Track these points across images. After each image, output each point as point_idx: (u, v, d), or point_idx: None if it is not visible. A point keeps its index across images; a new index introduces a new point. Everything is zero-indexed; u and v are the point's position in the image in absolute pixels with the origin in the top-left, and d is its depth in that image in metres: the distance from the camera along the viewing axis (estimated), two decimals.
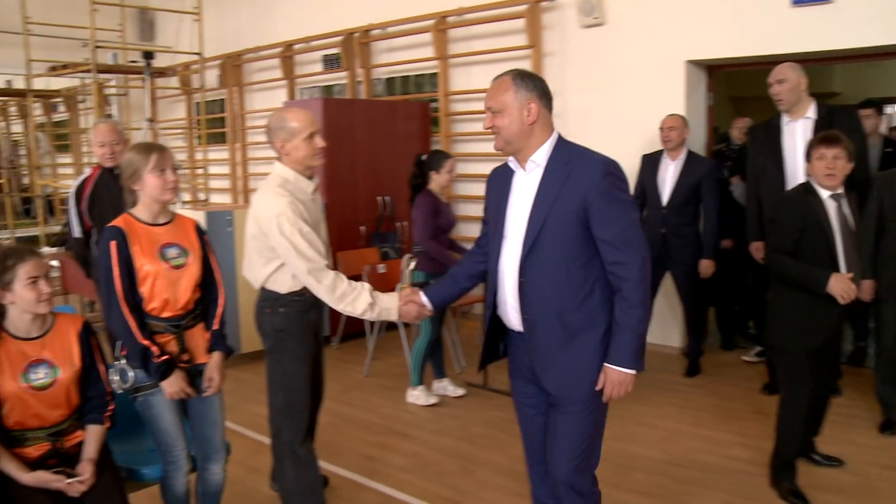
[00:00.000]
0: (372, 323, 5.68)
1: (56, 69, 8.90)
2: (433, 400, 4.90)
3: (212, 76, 9.39)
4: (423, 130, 7.00)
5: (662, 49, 5.72)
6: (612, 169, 2.33)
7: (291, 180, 2.96)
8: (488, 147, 6.77)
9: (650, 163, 5.27)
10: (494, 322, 2.59)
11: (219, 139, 9.79)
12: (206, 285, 2.86)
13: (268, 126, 3.00)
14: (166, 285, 2.70)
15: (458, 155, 7.03)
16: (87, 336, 2.60)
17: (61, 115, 13.10)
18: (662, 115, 5.17)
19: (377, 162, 6.64)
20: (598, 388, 2.38)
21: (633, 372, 2.34)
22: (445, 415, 4.74)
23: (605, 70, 6.05)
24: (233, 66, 9.16)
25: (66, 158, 12.47)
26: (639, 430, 4.38)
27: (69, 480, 2.44)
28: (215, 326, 2.86)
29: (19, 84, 10.69)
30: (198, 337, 2.84)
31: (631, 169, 4.97)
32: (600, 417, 2.48)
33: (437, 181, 4.82)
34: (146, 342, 2.63)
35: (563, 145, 2.41)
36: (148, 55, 7.84)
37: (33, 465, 2.46)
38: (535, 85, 2.37)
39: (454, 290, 2.83)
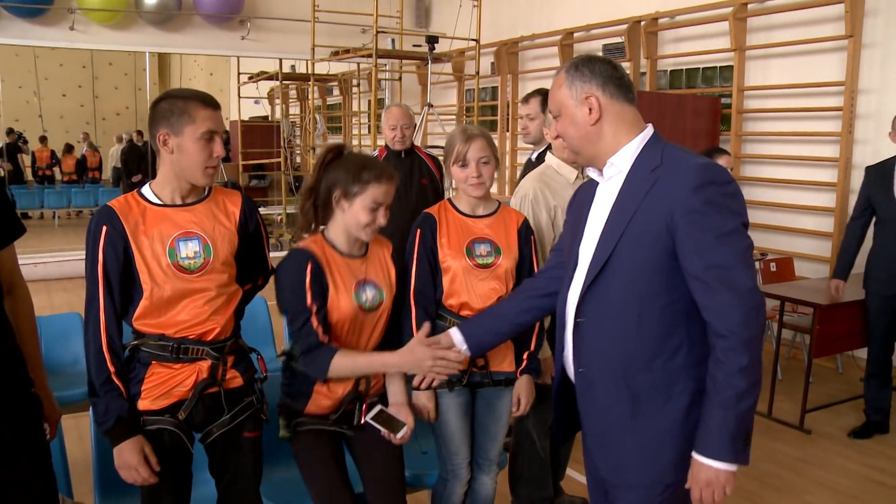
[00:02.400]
0: None
1: (339, 54, 9.34)
2: None
3: (485, 63, 9.41)
4: (711, 127, 6.49)
5: None
6: (710, 178, 1.71)
7: (554, 166, 2.93)
8: (786, 149, 6.24)
9: (879, 174, 4.36)
10: (567, 377, 2.01)
11: (489, 127, 9.80)
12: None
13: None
14: (468, 282, 2.48)
15: (751, 157, 6.48)
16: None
17: (334, 98, 13.93)
18: None
19: None
20: (686, 485, 1.76)
21: (731, 468, 1.70)
22: None
23: None
24: (508, 53, 9.12)
25: (337, 139, 13.21)
26: None
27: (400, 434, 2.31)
28: (532, 348, 2.59)
29: (300, 69, 11.49)
30: (504, 346, 2.53)
31: None
32: None
33: None
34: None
35: (654, 146, 1.84)
36: (432, 40, 7.97)
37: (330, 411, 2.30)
38: (593, 72, 1.82)
39: (501, 327, 2.25)
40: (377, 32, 8.20)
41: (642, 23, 7.22)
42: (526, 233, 2.60)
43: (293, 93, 14.27)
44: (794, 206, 6.20)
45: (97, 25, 9.10)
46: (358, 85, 11.94)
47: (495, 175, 2.55)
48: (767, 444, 4.29)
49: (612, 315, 1.81)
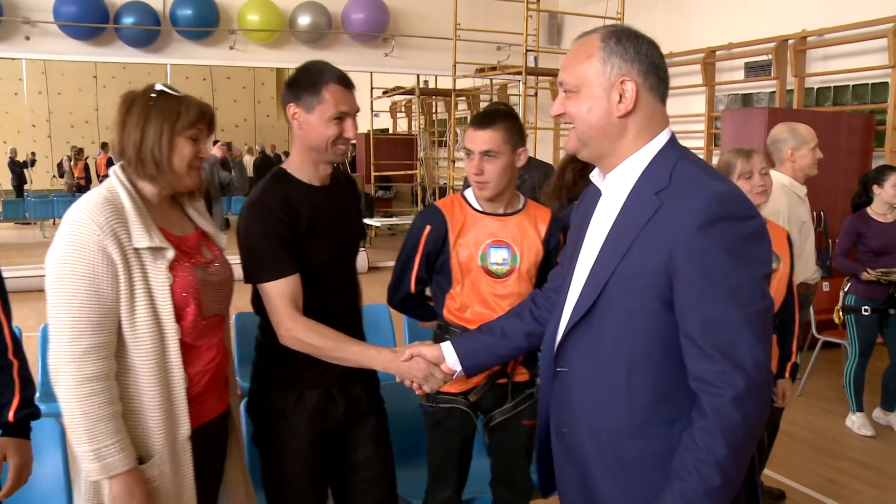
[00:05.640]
0: (811, 339, 5.45)
1: (483, 71, 9.74)
2: (867, 432, 4.57)
3: None
4: (865, 145, 6.56)
5: None
6: (724, 211, 1.35)
7: (787, 185, 3.23)
8: None
9: None
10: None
11: None
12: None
13: (774, 136, 3.18)
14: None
15: None
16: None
17: (461, 112, 14.38)
18: None
19: (814, 176, 6.34)
20: None
21: None
22: None
23: None
24: None
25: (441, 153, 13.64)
26: None
27: None
28: (794, 345, 2.94)
29: (431, 84, 11.98)
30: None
31: None
32: None
33: (880, 196, 4.51)
34: None
35: (666, 159, 1.47)
36: None
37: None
38: (639, 52, 1.46)
39: (502, 349, 1.94)
40: (527, 51, 8.56)
41: (790, 41, 7.33)
42: (791, 243, 2.88)
43: (415, 108, 14.82)
44: None
45: (255, 45, 9.81)
46: (491, 100, 12.34)
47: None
48: None
49: (598, 369, 1.50)
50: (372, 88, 12.63)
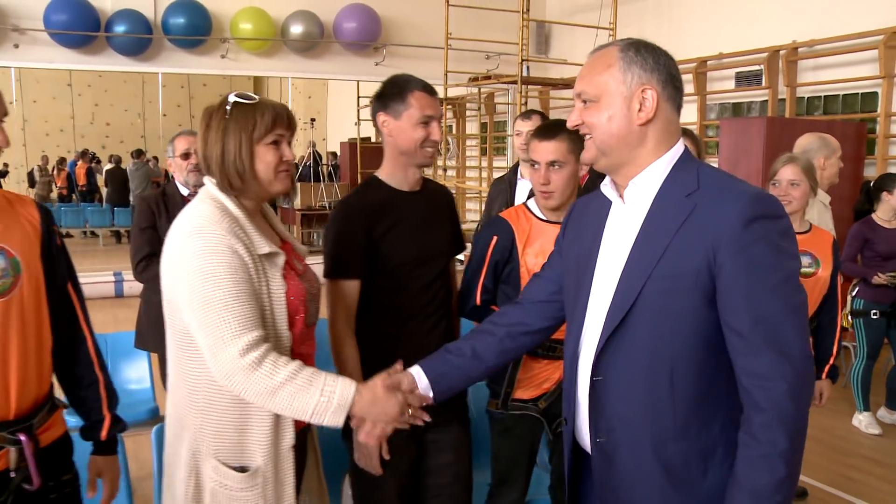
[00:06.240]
0: None
1: (477, 80, 9.83)
2: (875, 430, 4.72)
3: None
4: (856, 153, 6.74)
5: None
6: (763, 210, 1.42)
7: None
8: None
9: None
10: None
11: None
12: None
13: (804, 146, 3.34)
14: None
15: None
16: None
17: (448, 120, 14.48)
18: None
19: None
20: None
21: None
22: None
23: None
24: None
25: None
26: None
27: None
28: (834, 348, 3.01)
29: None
30: None
31: None
32: None
33: (888, 202, 4.65)
34: None
35: (687, 165, 1.54)
36: None
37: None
38: (657, 62, 1.52)
39: (474, 371, 1.84)
40: (522, 61, 8.66)
41: (782, 52, 7.52)
42: (836, 249, 3.02)
43: None
44: None
45: (247, 53, 9.79)
46: (479, 109, 12.44)
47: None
48: None
49: (638, 375, 1.50)
50: (359, 97, 12.64)
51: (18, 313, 1.71)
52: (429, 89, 2.20)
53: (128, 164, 14.59)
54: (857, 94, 7.12)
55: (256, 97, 1.81)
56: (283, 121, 1.80)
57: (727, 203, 1.41)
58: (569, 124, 1.59)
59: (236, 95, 1.80)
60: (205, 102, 1.87)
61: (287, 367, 1.66)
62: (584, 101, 1.55)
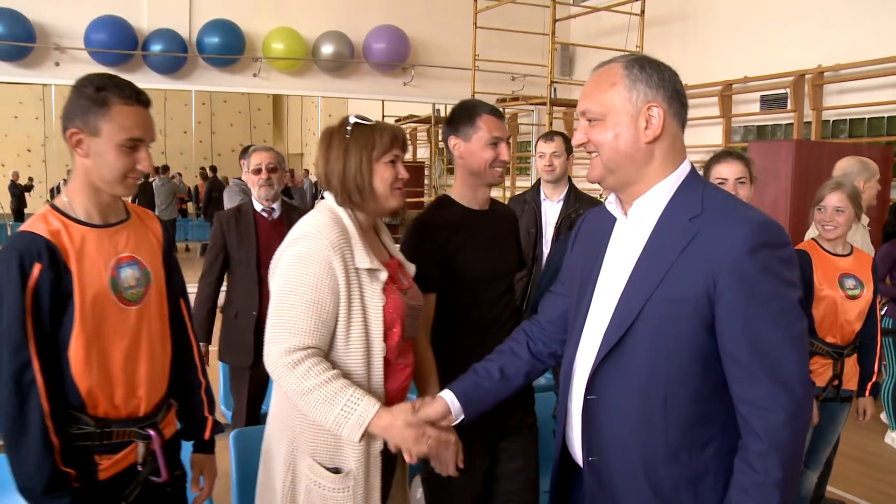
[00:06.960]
0: None
1: (506, 101, 9.99)
2: None
3: None
4: (884, 175, 6.78)
5: None
6: (767, 238, 1.42)
7: None
8: None
9: None
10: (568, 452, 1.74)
11: None
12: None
13: (845, 169, 3.44)
14: (836, 313, 2.99)
15: None
16: None
17: None
18: None
19: None
20: None
21: None
22: None
23: None
24: None
25: (449, 181, 13.91)
26: None
27: None
28: (876, 365, 3.13)
29: (444, 113, 12.21)
30: (852, 365, 3.10)
31: None
32: None
33: None
34: None
35: (693, 186, 1.53)
36: None
37: None
38: (662, 79, 1.52)
39: (502, 392, 1.87)
40: (551, 83, 8.80)
41: (808, 76, 7.65)
42: None
43: (422, 135, 15.05)
44: None
45: (277, 72, 10.00)
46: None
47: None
48: None
49: (632, 396, 1.50)
50: (384, 117, 12.83)
51: (148, 320, 1.87)
52: (496, 112, 2.34)
53: (154, 179, 14.81)
54: (883, 117, 7.24)
55: (373, 119, 1.98)
56: (399, 142, 1.98)
57: (730, 229, 1.42)
58: (574, 142, 1.61)
59: (356, 117, 1.97)
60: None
61: (321, 376, 1.80)
62: (589, 120, 1.56)
